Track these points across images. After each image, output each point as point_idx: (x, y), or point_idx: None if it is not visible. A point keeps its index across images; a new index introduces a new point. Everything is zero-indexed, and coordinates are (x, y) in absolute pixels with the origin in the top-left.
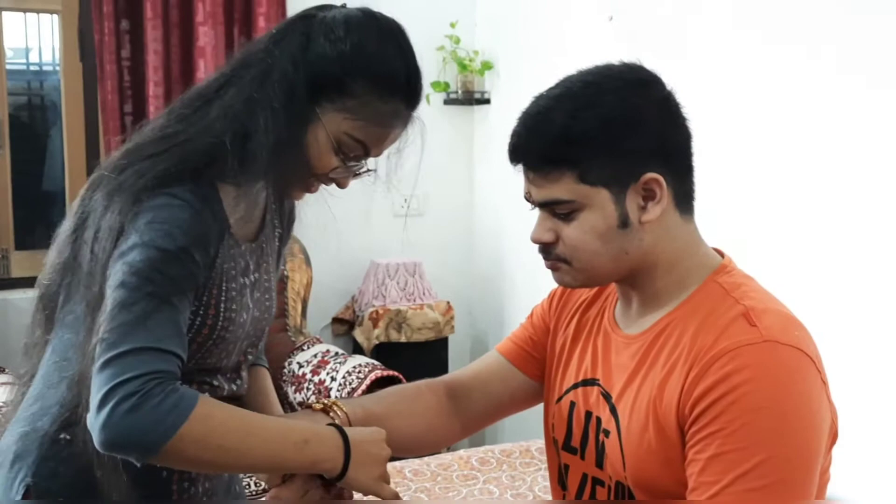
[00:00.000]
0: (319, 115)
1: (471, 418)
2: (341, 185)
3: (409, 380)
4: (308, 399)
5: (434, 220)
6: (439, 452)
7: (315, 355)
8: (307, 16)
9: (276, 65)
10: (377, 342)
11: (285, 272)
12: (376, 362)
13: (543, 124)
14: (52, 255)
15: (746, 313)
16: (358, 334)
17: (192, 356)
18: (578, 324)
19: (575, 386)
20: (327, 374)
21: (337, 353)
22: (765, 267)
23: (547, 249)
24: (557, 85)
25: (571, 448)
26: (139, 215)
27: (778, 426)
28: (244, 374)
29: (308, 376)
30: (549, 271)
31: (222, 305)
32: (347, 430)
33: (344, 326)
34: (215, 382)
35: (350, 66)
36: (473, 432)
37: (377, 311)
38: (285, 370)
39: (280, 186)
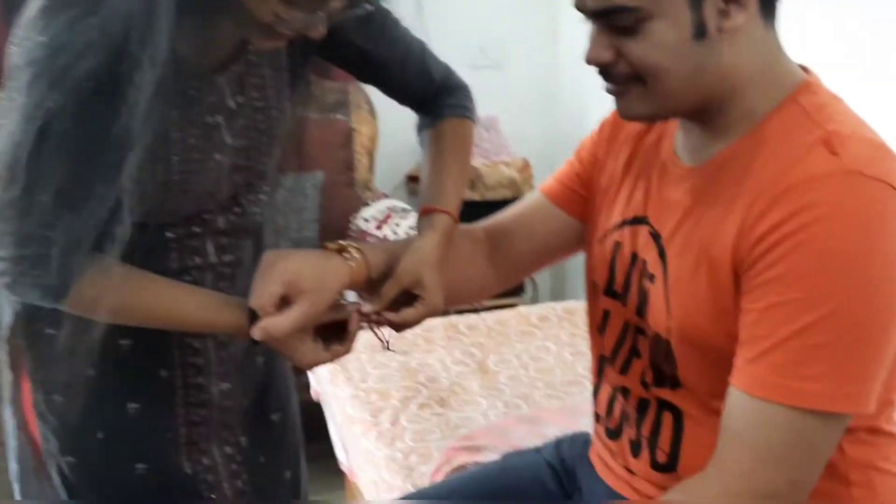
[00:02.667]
0: None
1: (511, 265)
2: (313, 36)
3: None
4: None
5: (513, 72)
6: (483, 309)
7: (381, 211)
8: None
9: None
10: None
11: (350, 124)
12: None
13: None
14: None
15: (828, 139)
16: None
17: (151, 209)
18: (631, 154)
19: (622, 224)
20: (390, 229)
21: (403, 210)
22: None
23: (608, 72)
24: None
25: (613, 293)
26: None
27: (853, 274)
28: (250, 198)
29: (372, 231)
30: None
31: (174, 158)
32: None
33: (418, 184)
34: (206, 217)
35: None
36: (515, 282)
37: None
38: (351, 226)
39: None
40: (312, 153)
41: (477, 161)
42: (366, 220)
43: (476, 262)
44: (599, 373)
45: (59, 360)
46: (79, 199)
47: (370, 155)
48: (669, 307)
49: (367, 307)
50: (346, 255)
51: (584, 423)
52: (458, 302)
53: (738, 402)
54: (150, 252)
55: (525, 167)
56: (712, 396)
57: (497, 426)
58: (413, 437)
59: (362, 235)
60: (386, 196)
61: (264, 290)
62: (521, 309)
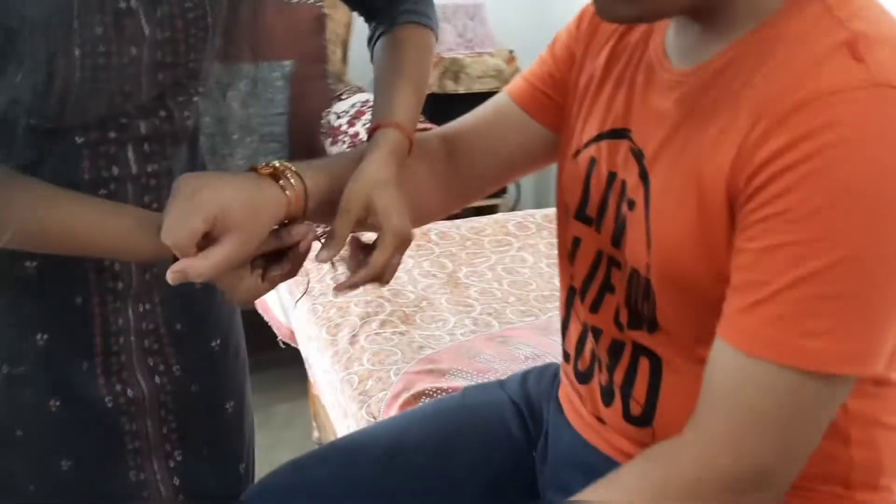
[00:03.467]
0: None
1: (470, 182)
2: None
3: None
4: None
5: None
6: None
7: (353, 105)
8: None
9: None
10: (428, 93)
11: (322, 9)
12: None
13: None
14: None
15: (852, 42)
16: None
17: (53, 110)
18: (613, 52)
19: (599, 137)
20: (363, 125)
21: None
22: None
23: None
24: None
25: (585, 217)
26: None
27: (874, 214)
28: (180, 100)
29: (343, 128)
30: None
31: (76, 51)
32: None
33: None
34: (124, 121)
35: None
36: (475, 199)
37: None
38: (322, 122)
39: None
40: (279, 41)
41: (460, 52)
42: (337, 116)
43: (430, 180)
44: (568, 306)
45: None
46: None
47: (344, 44)
48: (650, 240)
49: (321, 254)
50: (282, 183)
51: (557, 342)
52: (413, 223)
53: (723, 356)
54: (58, 161)
55: (511, 59)
56: (696, 342)
57: (463, 346)
58: (371, 358)
59: (334, 132)
60: (361, 90)
61: (183, 226)
62: (498, 216)
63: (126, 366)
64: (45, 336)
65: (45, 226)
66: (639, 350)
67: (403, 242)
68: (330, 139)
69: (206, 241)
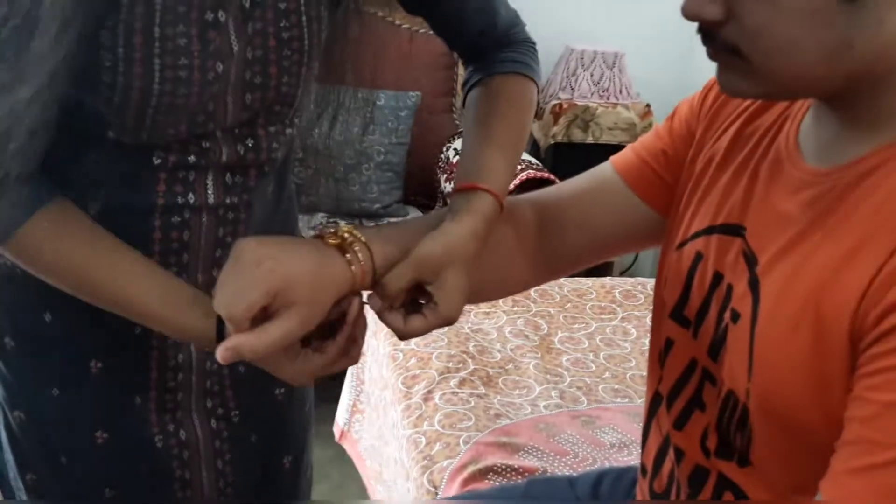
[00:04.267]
0: None
1: (562, 257)
2: None
3: None
4: None
5: (647, 2)
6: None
7: None
8: None
9: None
10: (554, 141)
11: None
12: (535, 161)
13: None
14: None
15: None
16: (535, 129)
17: (128, 124)
18: (739, 135)
19: (709, 230)
20: None
21: None
22: None
23: (711, 32)
24: None
25: (682, 318)
26: None
27: None
28: (271, 130)
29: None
30: None
31: (156, 61)
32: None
33: None
34: (206, 145)
35: None
36: (563, 275)
37: (561, 105)
38: (441, 155)
39: None
40: (411, 71)
41: (594, 100)
42: (456, 153)
43: (518, 253)
44: (651, 413)
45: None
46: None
47: None
48: (753, 363)
49: (373, 302)
50: (350, 257)
51: None
52: (486, 298)
53: None
54: (133, 181)
55: (646, 113)
56: (793, 489)
57: (544, 420)
58: (443, 420)
59: (451, 168)
60: None
61: (242, 298)
62: (605, 280)
63: (182, 405)
64: (100, 364)
65: (90, 274)
66: (725, 484)
67: (443, 326)
68: (445, 174)
69: (262, 314)
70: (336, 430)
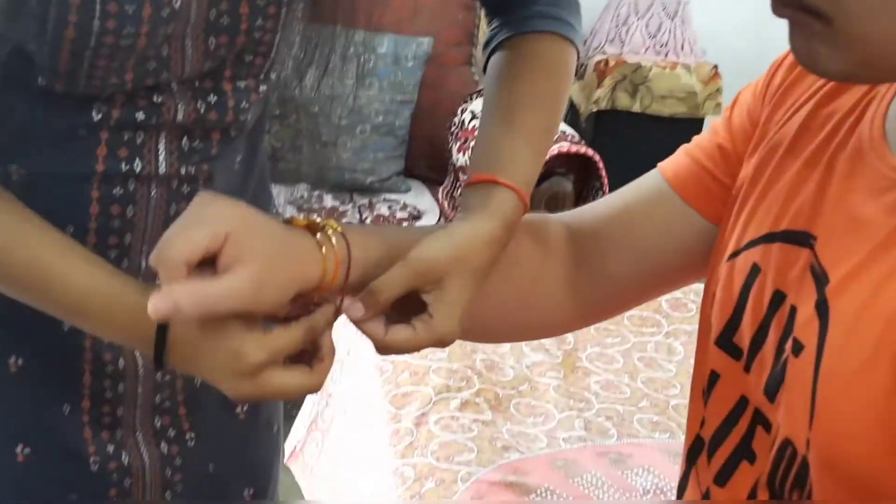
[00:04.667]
0: None
1: (601, 287)
2: None
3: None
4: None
5: None
6: None
7: None
8: None
9: None
10: (596, 108)
11: None
12: (573, 132)
13: None
14: None
15: None
16: (575, 91)
17: (60, 68)
18: (810, 120)
19: (769, 238)
20: None
21: None
22: None
23: None
24: None
25: (732, 347)
26: None
27: None
28: (239, 84)
29: (472, 133)
30: None
31: None
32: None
33: None
34: (158, 99)
35: None
36: (609, 316)
37: (607, 62)
38: (455, 118)
39: None
40: (422, 11)
41: (648, 57)
42: (473, 116)
43: (547, 279)
44: (690, 460)
45: None
46: None
47: None
48: (815, 407)
49: (353, 309)
50: (320, 237)
51: None
52: (497, 335)
53: None
54: (65, 139)
55: (712, 77)
56: None
57: (563, 456)
58: (437, 451)
59: (465, 135)
60: None
61: (181, 236)
62: None
63: (124, 422)
64: (20, 361)
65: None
66: None
67: (437, 346)
68: (458, 143)
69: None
70: (288, 447)
